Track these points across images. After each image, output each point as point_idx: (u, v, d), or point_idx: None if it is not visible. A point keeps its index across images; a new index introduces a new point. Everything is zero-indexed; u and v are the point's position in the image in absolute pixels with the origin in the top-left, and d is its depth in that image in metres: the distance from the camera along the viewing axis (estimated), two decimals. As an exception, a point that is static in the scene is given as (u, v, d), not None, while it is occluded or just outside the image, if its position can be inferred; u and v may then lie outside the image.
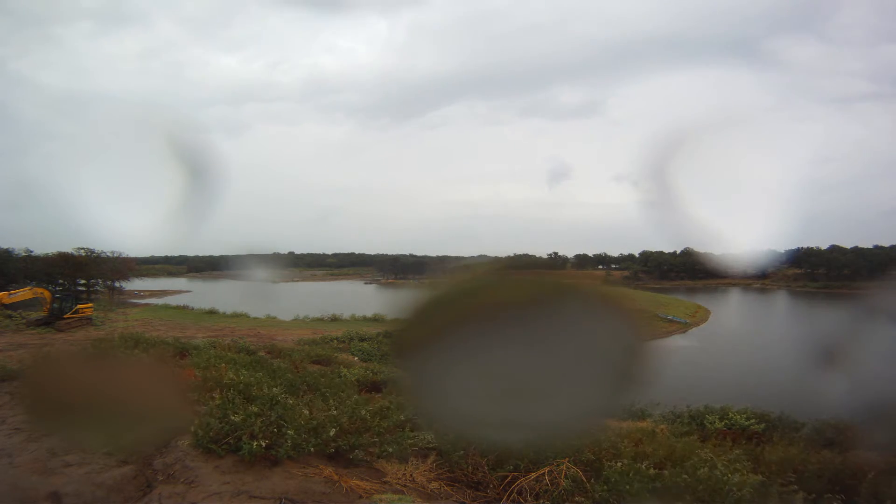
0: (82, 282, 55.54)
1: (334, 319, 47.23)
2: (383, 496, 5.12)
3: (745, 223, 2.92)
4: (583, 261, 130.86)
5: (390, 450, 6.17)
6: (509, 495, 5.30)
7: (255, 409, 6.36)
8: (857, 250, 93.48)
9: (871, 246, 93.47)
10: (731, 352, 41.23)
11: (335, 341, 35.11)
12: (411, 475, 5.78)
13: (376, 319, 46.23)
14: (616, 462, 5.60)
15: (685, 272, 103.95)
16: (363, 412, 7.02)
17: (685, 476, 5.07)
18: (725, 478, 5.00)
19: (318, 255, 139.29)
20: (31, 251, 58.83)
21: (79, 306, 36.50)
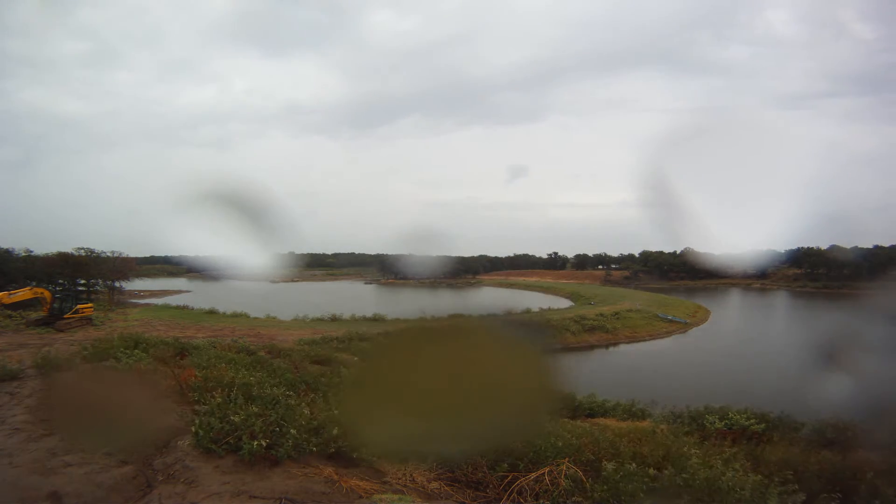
0: (82, 282, 55.52)
1: (334, 319, 47.26)
2: (383, 496, 5.11)
3: (745, 223, 2.93)
4: (583, 261, 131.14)
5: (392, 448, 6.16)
6: (509, 495, 5.30)
7: (255, 408, 6.36)
8: (857, 250, 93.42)
9: (871, 246, 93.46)
10: (730, 352, 41.23)
11: (335, 341, 35.12)
12: (411, 475, 5.78)
13: (376, 319, 46.30)
14: (615, 462, 5.60)
15: (685, 272, 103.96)
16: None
17: (684, 475, 5.07)
18: (724, 477, 5.00)
19: (319, 255, 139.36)
20: (32, 251, 58.87)
21: (79, 306, 36.52)
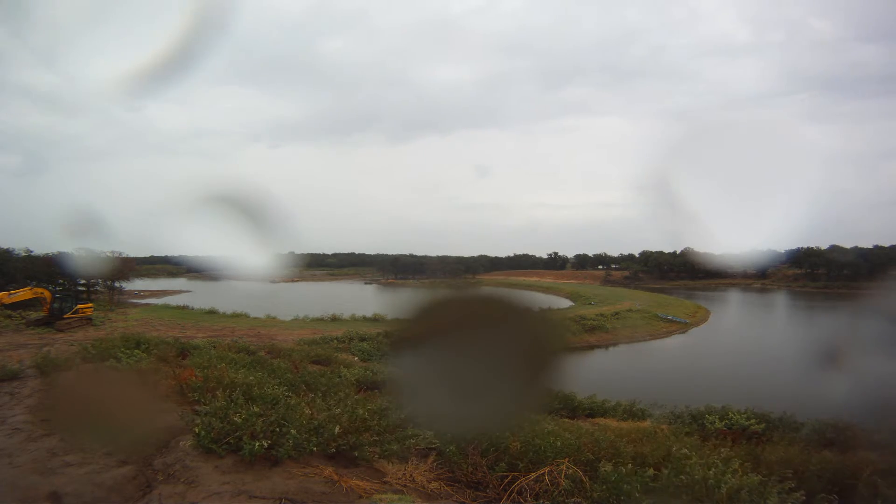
0: (82, 282, 55.48)
1: (334, 319, 47.24)
2: (383, 496, 5.12)
3: (745, 223, 2.93)
4: (583, 261, 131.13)
5: (393, 448, 6.17)
6: (509, 495, 5.30)
7: (256, 409, 6.37)
8: (857, 250, 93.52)
9: (871, 246, 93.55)
10: (730, 352, 41.23)
11: (335, 341, 35.11)
12: (411, 475, 5.78)
13: (376, 319, 46.29)
14: (615, 462, 5.60)
15: (685, 272, 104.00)
16: (363, 411, 7.03)
17: (683, 476, 5.07)
18: (723, 477, 5.00)
19: (318, 255, 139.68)
20: (31, 251, 58.83)
21: (79, 306, 36.51)
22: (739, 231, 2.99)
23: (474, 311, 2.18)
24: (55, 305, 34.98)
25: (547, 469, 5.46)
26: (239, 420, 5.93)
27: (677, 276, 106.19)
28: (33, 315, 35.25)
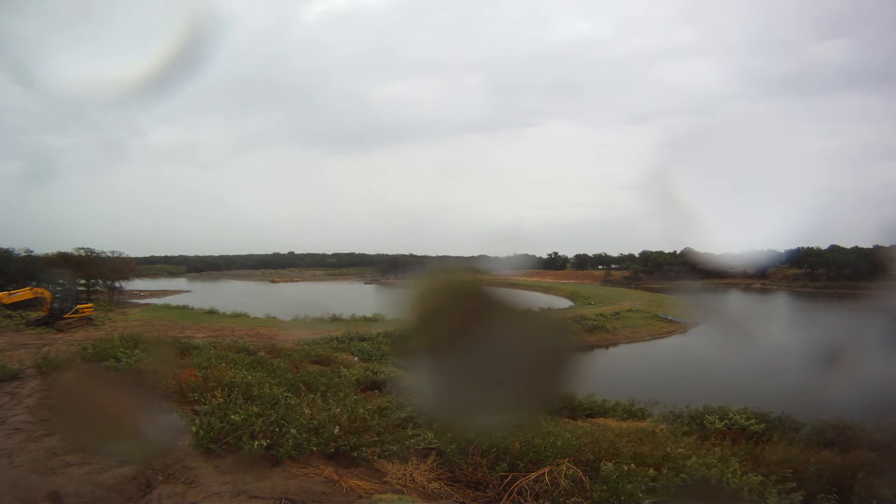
0: (82, 282, 55.40)
1: (334, 319, 47.18)
2: (383, 496, 5.12)
3: (745, 223, 2.93)
4: (583, 261, 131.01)
5: (394, 448, 6.17)
6: (509, 495, 5.30)
7: (255, 408, 6.37)
8: (857, 250, 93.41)
9: (871, 246, 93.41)
10: (730, 352, 41.21)
11: (335, 341, 35.07)
12: (411, 475, 5.78)
13: (376, 319, 46.27)
14: (615, 462, 5.60)
15: (685, 272, 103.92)
16: (363, 411, 7.03)
17: (683, 476, 5.07)
18: (723, 477, 5.00)
19: (318, 255, 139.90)
20: (32, 251, 58.76)
21: (79, 306, 36.48)
22: (739, 231, 3.00)
23: (474, 311, 2.19)
24: (55, 305, 34.96)
25: (547, 469, 5.46)
26: (238, 420, 5.93)
27: (677, 276, 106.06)
28: (33, 315, 35.21)
